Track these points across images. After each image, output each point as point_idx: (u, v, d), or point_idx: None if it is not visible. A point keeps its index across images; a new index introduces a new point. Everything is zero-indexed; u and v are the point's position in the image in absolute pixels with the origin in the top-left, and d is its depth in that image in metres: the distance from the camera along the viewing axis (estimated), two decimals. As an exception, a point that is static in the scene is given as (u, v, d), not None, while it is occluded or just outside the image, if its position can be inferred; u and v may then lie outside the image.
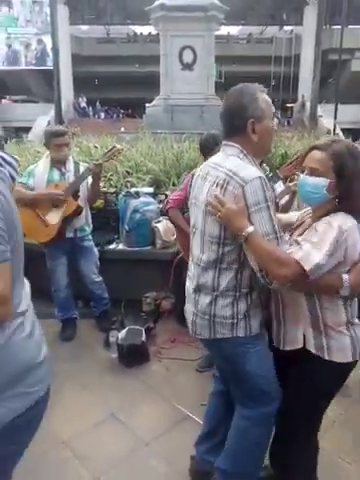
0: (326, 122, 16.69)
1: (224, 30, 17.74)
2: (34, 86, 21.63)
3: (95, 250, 3.15)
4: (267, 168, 3.03)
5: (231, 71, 18.36)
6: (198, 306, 1.50)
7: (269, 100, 1.42)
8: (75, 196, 2.81)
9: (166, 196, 3.85)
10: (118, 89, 25.10)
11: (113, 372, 2.67)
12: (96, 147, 5.09)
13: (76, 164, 2.94)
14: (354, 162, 1.33)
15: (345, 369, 1.45)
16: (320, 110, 17.94)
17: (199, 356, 2.78)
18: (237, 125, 1.39)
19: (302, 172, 1.91)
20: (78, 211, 2.84)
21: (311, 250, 1.29)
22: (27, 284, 1.11)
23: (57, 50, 15.53)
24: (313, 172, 1.37)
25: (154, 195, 3.90)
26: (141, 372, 2.68)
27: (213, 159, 1.49)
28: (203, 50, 7.39)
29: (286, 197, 2.52)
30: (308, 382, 1.46)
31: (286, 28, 25.77)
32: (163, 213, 3.58)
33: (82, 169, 2.87)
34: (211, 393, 1.83)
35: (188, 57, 7.39)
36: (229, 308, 1.43)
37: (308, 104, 18.71)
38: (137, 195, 3.59)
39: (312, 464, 1.61)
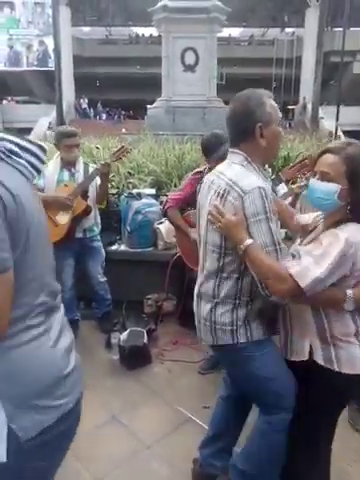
0: (327, 124, 16.69)
1: (225, 32, 17.74)
2: (36, 87, 21.68)
3: (103, 251, 3.17)
4: (269, 170, 3.02)
5: (232, 73, 18.35)
6: (201, 312, 1.51)
7: (276, 105, 1.41)
8: (84, 196, 2.83)
9: (167, 197, 3.86)
10: (119, 90, 25.12)
11: (115, 374, 2.66)
12: (98, 148, 5.10)
13: (85, 165, 2.96)
14: None
15: (355, 381, 1.37)
16: (321, 112, 17.94)
17: (201, 358, 2.77)
18: (245, 130, 1.37)
19: (304, 175, 1.89)
20: (87, 211, 2.86)
21: (310, 265, 1.24)
22: (58, 286, 1.01)
23: (59, 51, 15.54)
24: (324, 177, 1.30)
25: (156, 196, 3.90)
26: (143, 374, 2.67)
27: (219, 167, 1.49)
28: (205, 52, 7.40)
29: (289, 199, 2.52)
30: (317, 396, 1.41)
31: (287, 30, 25.81)
32: (163, 213, 3.59)
33: (91, 169, 2.89)
34: (219, 396, 1.81)
35: (190, 59, 7.39)
36: (228, 315, 1.43)
37: (309, 106, 18.72)
38: (139, 196, 3.59)
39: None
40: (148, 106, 8.07)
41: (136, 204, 3.45)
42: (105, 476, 1.88)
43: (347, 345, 1.34)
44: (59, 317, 0.98)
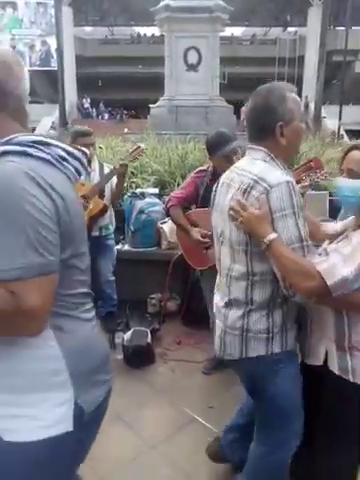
0: (330, 123, 16.65)
1: (228, 31, 17.70)
2: (38, 87, 21.69)
3: (115, 249, 3.19)
4: None
5: (234, 72, 18.36)
6: (227, 321, 1.37)
7: (298, 100, 1.33)
8: (101, 195, 2.86)
9: (171, 197, 3.85)
10: (121, 90, 25.13)
11: (118, 374, 2.65)
12: (101, 148, 5.09)
13: (100, 164, 2.99)
14: None
15: None
16: (324, 111, 17.89)
17: (205, 358, 2.77)
18: (265, 128, 1.30)
19: (309, 176, 1.85)
20: (104, 210, 2.89)
21: (338, 263, 1.16)
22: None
23: (61, 51, 15.58)
24: (351, 174, 1.27)
25: (159, 196, 3.89)
26: (147, 374, 2.66)
27: (239, 164, 1.41)
28: (208, 51, 7.38)
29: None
30: (331, 405, 1.36)
31: (290, 29, 25.75)
32: (165, 212, 3.58)
33: (106, 169, 2.92)
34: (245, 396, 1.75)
35: (193, 58, 7.38)
36: (264, 321, 1.31)
37: (312, 105, 18.65)
38: (142, 196, 3.59)
39: None
40: (151, 105, 8.05)
41: (139, 203, 3.45)
42: (110, 476, 1.87)
43: None
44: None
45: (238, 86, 17.25)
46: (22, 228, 0.78)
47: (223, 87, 8.20)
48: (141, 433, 2.14)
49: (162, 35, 9.04)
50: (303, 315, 1.39)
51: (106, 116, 24.16)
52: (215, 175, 2.43)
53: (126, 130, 12.14)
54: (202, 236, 2.41)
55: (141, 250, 3.45)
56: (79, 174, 0.97)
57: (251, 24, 26.08)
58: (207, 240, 2.35)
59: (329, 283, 1.14)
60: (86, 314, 1.00)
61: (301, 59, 22.42)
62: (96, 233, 2.94)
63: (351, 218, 1.41)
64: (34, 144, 0.86)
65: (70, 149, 0.94)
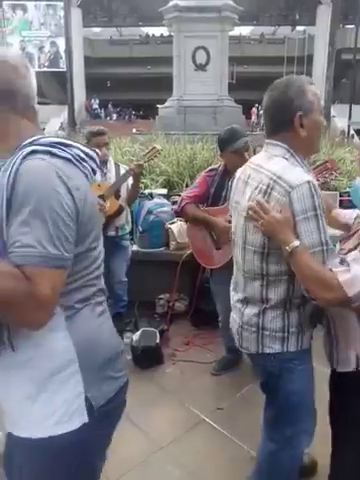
0: (339, 123, 16.52)
1: (236, 31, 17.68)
2: (47, 88, 21.87)
3: (130, 250, 3.20)
4: None
5: (243, 72, 18.33)
6: (244, 317, 1.38)
7: (318, 92, 1.30)
8: (117, 196, 2.89)
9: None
10: (130, 90, 25.24)
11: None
12: (109, 149, 5.09)
13: (116, 165, 3.01)
14: None
15: None
16: (333, 110, 17.75)
17: (213, 359, 2.76)
18: (284, 119, 1.27)
19: (325, 178, 1.80)
20: (120, 211, 2.91)
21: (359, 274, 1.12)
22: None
23: (70, 52, 15.68)
24: None
25: (167, 196, 3.89)
26: (155, 375, 2.66)
27: (255, 160, 1.38)
28: (217, 51, 7.35)
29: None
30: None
31: (298, 28, 25.59)
32: (177, 214, 3.56)
33: (122, 170, 2.95)
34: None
35: (201, 58, 7.35)
36: (279, 320, 1.31)
37: (321, 104, 18.52)
38: (151, 197, 3.59)
39: None
40: (159, 106, 8.06)
41: (148, 204, 3.46)
42: (119, 477, 1.87)
43: None
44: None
45: (246, 86, 17.22)
46: (45, 221, 0.82)
47: (231, 87, 8.17)
48: (150, 434, 2.14)
49: (170, 35, 9.03)
50: (327, 322, 1.36)
51: (114, 117, 24.28)
52: (225, 174, 2.43)
53: (134, 130, 12.17)
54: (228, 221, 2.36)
55: (149, 251, 3.45)
56: (94, 173, 1.02)
57: (259, 23, 25.95)
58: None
59: (350, 295, 1.12)
60: (98, 308, 1.02)
61: (310, 58, 22.27)
62: (112, 233, 2.96)
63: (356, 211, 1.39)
64: (57, 144, 0.90)
65: (87, 150, 0.98)
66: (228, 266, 1.73)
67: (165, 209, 3.50)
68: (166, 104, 7.76)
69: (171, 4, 7.24)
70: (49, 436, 0.90)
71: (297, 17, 25.52)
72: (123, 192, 2.94)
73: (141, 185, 4.25)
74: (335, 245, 1.35)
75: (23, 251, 0.80)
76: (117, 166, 3.01)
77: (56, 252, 0.83)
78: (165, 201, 3.63)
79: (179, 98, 7.43)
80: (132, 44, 25.27)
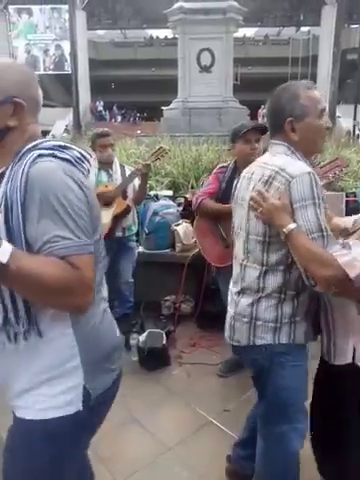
0: (345, 123, 16.44)
1: (240, 32, 17.66)
2: (52, 91, 21.97)
3: (136, 251, 3.21)
4: None
5: (247, 73, 18.29)
6: (238, 308, 1.42)
7: (316, 97, 1.34)
8: (124, 196, 2.90)
9: (185, 199, 3.84)
10: (134, 93, 25.26)
11: (134, 375, 2.66)
12: (115, 150, 5.11)
13: (122, 166, 3.03)
14: None
15: None
16: (338, 111, 17.67)
17: (220, 361, 2.76)
18: (276, 124, 1.36)
19: (335, 174, 1.82)
20: (127, 211, 2.93)
21: None
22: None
23: (75, 55, 15.74)
24: None
25: (173, 198, 3.90)
26: (162, 376, 2.67)
27: (260, 159, 1.45)
28: (221, 52, 7.33)
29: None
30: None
31: (303, 29, 25.51)
32: (185, 215, 3.56)
33: (127, 171, 2.97)
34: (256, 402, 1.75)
35: (206, 60, 7.34)
36: (273, 310, 1.34)
37: (326, 105, 18.45)
38: (156, 198, 3.60)
39: None
40: (163, 107, 8.06)
41: (154, 206, 3.47)
42: (127, 477, 1.88)
43: None
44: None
45: (251, 87, 17.18)
46: (70, 214, 0.90)
47: (236, 88, 8.16)
48: (156, 435, 2.15)
49: (174, 37, 9.04)
50: (324, 315, 1.39)
51: (119, 119, 24.32)
52: (235, 171, 2.46)
53: (139, 131, 12.18)
54: None
55: (155, 252, 3.46)
56: (88, 173, 1.08)
57: (264, 24, 25.91)
58: None
59: (352, 276, 1.14)
60: (100, 303, 1.08)
61: (314, 59, 22.19)
62: (119, 233, 2.98)
63: (357, 216, 1.42)
64: (58, 147, 0.97)
65: (83, 152, 1.04)
66: None
67: (171, 210, 3.51)
68: (171, 106, 7.75)
69: (176, 6, 7.24)
70: (46, 419, 0.98)
71: (301, 18, 25.43)
72: (130, 192, 2.95)
73: (146, 186, 4.27)
74: None
75: (63, 244, 0.88)
76: (122, 167, 3.03)
77: (87, 240, 0.93)
78: (171, 203, 3.64)
79: (184, 100, 7.42)
80: (136, 46, 25.31)
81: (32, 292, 0.89)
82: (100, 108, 23.77)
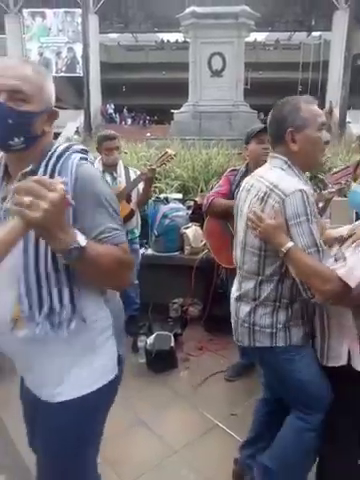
0: (355, 128, 16.34)
1: (251, 36, 17.68)
2: (63, 93, 22.19)
3: (140, 253, 3.22)
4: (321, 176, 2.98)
5: (258, 78, 18.31)
6: (239, 314, 1.52)
7: (316, 111, 1.40)
8: (128, 200, 2.91)
9: (195, 202, 3.85)
10: (145, 96, 25.40)
11: (141, 377, 2.67)
12: (126, 153, 5.15)
13: (126, 169, 3.03)
14: None
15: None
16: (348, 116, 17.58)
17: (227, 365, 2.75)
18: (278, 134, 1.40)
19: (348, 181, 1.84)
20: (131, 214, 2.94)
21: (357, 264, 1.21)
22: None
23: (87, 58, 15.91)
24: None
25: (183, 201, 3.91)
26: (169, 379, 2.67)
27: (259, 171, 1.51)
28: (233, 57, 7.36)
29: (319, 205, 2.48)
30: (353, 405, 1.37)
31: (314, 34, 25.45)
32: (194, 218, 3.56)
33: (132, 173, 2.97)
34: (259, 399, 1.83)
35: (217, 64, 7.37)
36: (268, 317, 1.43)
37: (336, 111, 18.35)
38: (166, 201, 3.62)
39: None
40: (174, 111, 8.10)
41: (164, 208, 3.48)
42: (132, 479, 1.88)
43: None
44: None
45: (262, 91, 17.18)
46: (115, 210, 1.07)
47: (247, 92, 8.17)
48: (163, 437, 2.15)
49: (185, 41, 9.08)
50: (319, 320, 1.44)
51: (129, 121, 24.46)
52: (247, 174, 2.45)
53: (148, 134, 12.24)
54: None
55: (164, 255, 3.47)
56: None
57: (275, 29, 25.90)
58: None
59: (353, 285, 1.19)
60: None
61: (325, 64, 22.12)
62: None
63: (358, 223, 1.45)
64: (84, 151, 1.11)
65: (84, 148, 1.15)
66: None
67: (180, 213, 3.52)
68: (181, 109, 7.79)
69: (188, 11, 7.29)
70: (88, 393, 1.10)
71: (313, 23, 25.37)
72: (134, 196, 2.95)
73: (156, 189, 4.29)
74: None
75: (116, 233, 1.05)
76: (126, 169, 3.02)
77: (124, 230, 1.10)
78: (180, 205, 3.65)
79: (195, 103, 7.45)
80: (148, 50, 25.48)
81: (99, 271, 1.01)
82: (111, 111, 23.93)
